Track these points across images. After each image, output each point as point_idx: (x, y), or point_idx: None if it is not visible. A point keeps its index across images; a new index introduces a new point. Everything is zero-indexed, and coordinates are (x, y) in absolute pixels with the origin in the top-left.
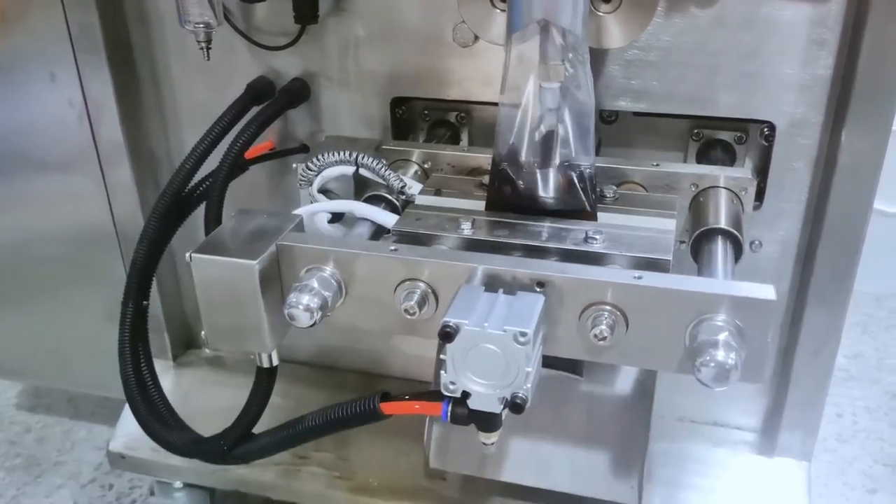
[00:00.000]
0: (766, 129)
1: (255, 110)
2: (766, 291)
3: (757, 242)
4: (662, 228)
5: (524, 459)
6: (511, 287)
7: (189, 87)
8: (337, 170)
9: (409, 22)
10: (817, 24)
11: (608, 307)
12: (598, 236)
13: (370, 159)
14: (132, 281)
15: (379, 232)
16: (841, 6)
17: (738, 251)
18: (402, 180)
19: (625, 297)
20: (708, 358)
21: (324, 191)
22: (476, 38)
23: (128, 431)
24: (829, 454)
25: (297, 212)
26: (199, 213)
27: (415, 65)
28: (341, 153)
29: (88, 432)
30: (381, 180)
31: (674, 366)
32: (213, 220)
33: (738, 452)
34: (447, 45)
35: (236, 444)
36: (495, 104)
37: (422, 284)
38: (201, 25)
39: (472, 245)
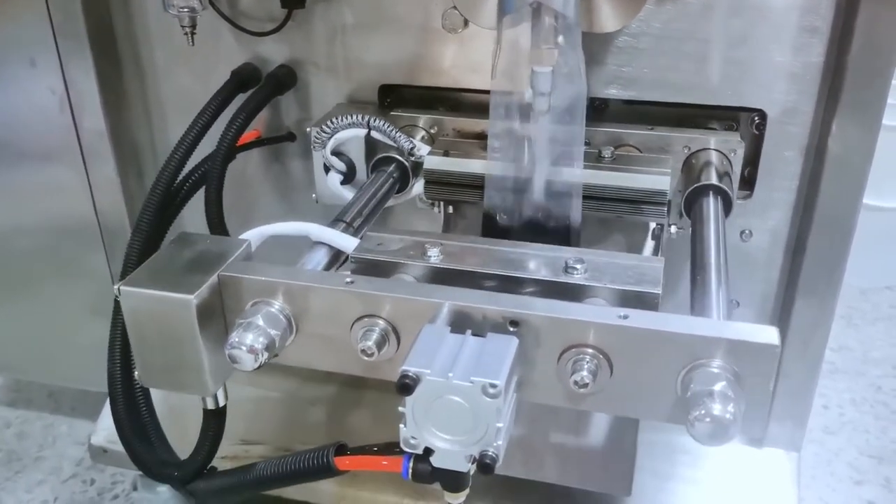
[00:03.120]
0: (756, 118)
1: (240, 98)
2: (768, 335)
3: (747, 232)
4: (651, 264)
5: (514, 451)
6: (481, 327)
7: (173, 73)
8: (350, 132)
9: (398, 8)
10: (809, 12)
11: (590, 350)
12: (578, 266)
13: (381, 122)
14: (127, 275)
15: (339, 256)
16: None
17: (727, 207)
18: (411, 142)
19: (609, 339)
20: (703, 412)
21: (337, 153)
22: (466, 23)
23: (110, 425)
24: (816, 446)
25: (244, 236)
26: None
27: (403, 52)
28: (354, 116)
29: (69, 427)
30: (391, 142)
31: (664, 415)
32: (214, 207)
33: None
34: (437, 32)
35: (191, 479)
36: (485, 92)
37: (381, 322)
38: (185, 10)
39: (440, 275)
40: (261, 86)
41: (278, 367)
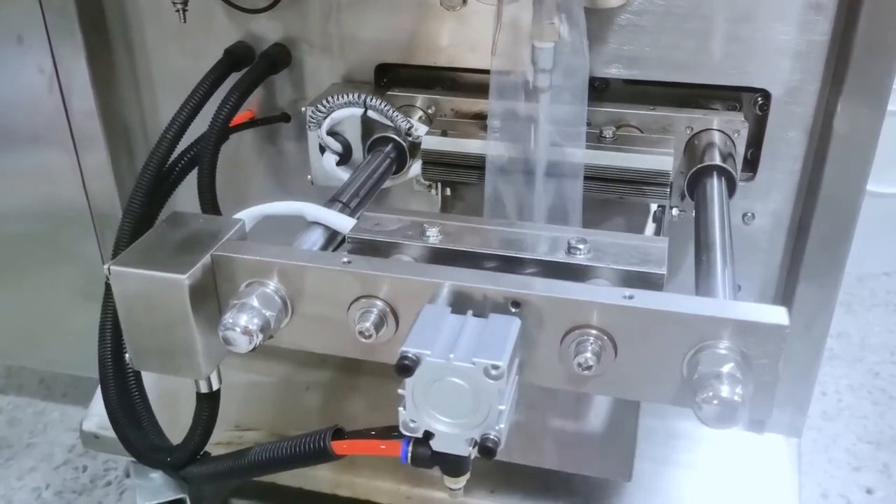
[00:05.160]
0: (760, 98)
1: (233, 77)
2: (777, 315)
3: (750, 214)
4: (655, 244)
5: (512, 437)
6: (482, 307)
7: (164, 52)
8: (346, 111)
9: None
10: None
11: (594, 331)
12: (581, 246)
13: (378, 101)
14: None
15: (334, 237)
16: None
17: (731, 188)
18: (409, 122)
19: (613, 319)
20: (711, 394)
21: (332, 133)
22: (464, 0)
23: (102, 410)
24: (814, 432)
25: (238, 216)
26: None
27: (400, 30)
28: (350, 95)
29: (61, 413)
30: (388, 122)
31: (669, 398)
32: (207, 191)
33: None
34: (434, 9)
35: (183, 464)
36: (484, 71)
37: (379, 303)
38: None
39: (439, 255)
40: (254, 65)
41: (272, 352)
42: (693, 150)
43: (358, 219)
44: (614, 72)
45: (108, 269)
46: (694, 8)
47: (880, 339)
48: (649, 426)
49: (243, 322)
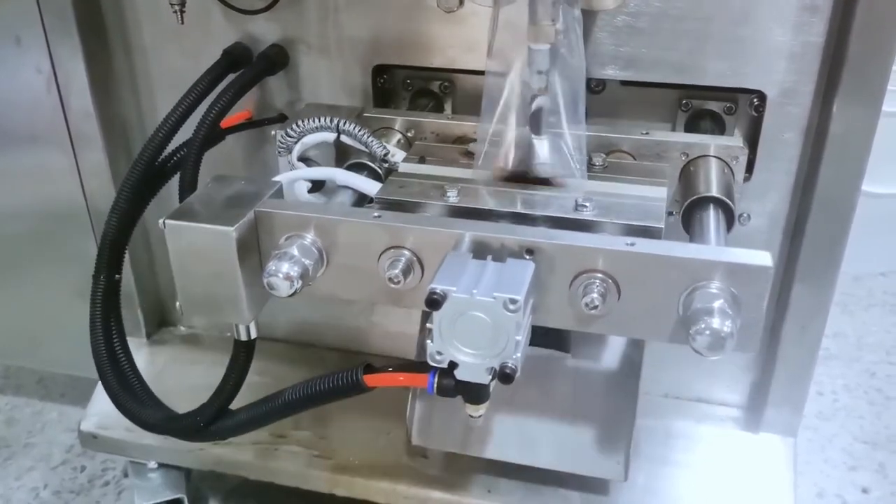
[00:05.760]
0: (755, 100)
1: (230, 78)
2: (762, 258)
3: (745, 215)
4: (653, 196)
5: (509, 436)
6: (500, 254)
7: (162, 53)
8: (318, 136)
9: None
10: None
11: (600, 275)
12: (588, 204)
13: (352, 126)
14: (103, 253)
15: (361, 201)
16: None
17: (729, 220)
18: (385, 148)
19: (617, 264)
20: (703, 326)
21: (304, 159)
22: (461, 1)
23: (100, 410)
24: (811, 432)
25: (276, 178)
26: (174, 187)
27: (397, 31)
28: (322, 119)
29: (59, 414)
30: (363, 147)
31: (666, 335)
32: (188, 191)
33: (723, 428)
34: (431, 11)
35: (213, 420)
36: (481, 72)
37: (407, 252)
38: None
39: (458, 213)
40: (251, 65)
41: (270, 351)
42: (688, 177)
43: (384, 183)
44: (611, 73)
45: (163, 223)
46: (690, 10)
47: (876, 338)
48: (646, 426)
49: (285, 269)
